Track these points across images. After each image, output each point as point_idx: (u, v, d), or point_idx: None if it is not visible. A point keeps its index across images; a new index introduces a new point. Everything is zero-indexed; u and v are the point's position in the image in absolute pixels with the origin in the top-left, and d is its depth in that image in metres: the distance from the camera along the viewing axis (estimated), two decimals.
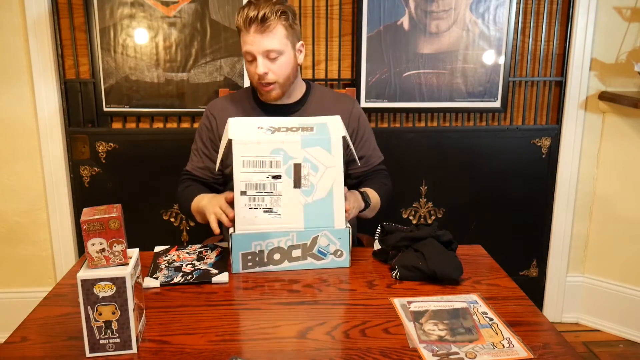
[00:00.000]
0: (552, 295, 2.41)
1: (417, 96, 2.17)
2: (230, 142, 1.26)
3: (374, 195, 1.55)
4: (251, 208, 1.27)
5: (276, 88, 1.51)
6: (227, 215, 1.30)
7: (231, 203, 1.31)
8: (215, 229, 1.31)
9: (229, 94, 1.73)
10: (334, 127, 1.31)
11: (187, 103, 2.13)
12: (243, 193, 1.26)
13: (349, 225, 1.30)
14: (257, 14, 1.41)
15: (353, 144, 1.62)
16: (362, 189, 1.54)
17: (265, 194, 1.27)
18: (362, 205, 1.47)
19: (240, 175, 1.26)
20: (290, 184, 1.27)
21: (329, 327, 1.06)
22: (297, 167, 1.26)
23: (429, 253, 1.25)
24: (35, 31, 2.03)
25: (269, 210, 1.27)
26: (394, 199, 1.74)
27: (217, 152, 1.61)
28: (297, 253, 1.29)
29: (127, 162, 2.16)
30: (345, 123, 1.61)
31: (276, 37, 1.45)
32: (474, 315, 1.09)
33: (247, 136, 1.26)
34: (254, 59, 1.46)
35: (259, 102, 1.61)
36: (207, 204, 1.38)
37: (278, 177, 1.26)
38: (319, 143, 1.27)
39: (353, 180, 1.65)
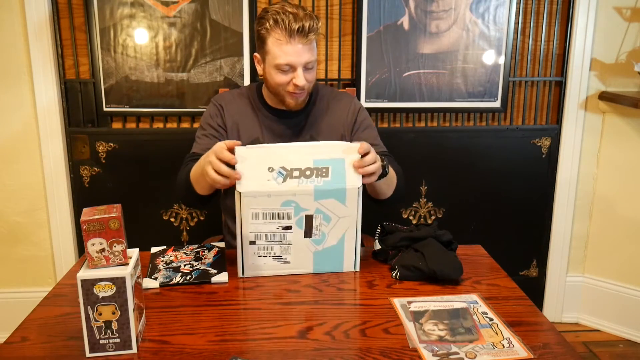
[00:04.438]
0: (552, 295, 2.41)
1: (417, 96, 2.17)
2: (239, 194, 1.19)
3: (391, 169, 1.44)
4: (260, 256, 1.25)
5: (303, 96, 1.51)
6: (227, 175, 1.18)
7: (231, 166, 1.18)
8: (221, 180, 1.18)
9: (235, 89, 1.71)
10: (351, 171, 1.21)
11: (187, 103, 2.13)
12: (252, 242, 1.24)
13: (357, 268, 1.29)
14: (303, 25, 1.38)
15: (353, 134, 1.60)
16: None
17: (275, 243, 1.24)
18: (380, 170, 1.29)
19: (250, 227, 1.22)
20: (300, 234, 1.24)
21: (329, 327, 1.06)
22: (309, 219, 1.23)
23: (429, 253, 1.25)
24: (36, 31, 2.03)
25: (278, 258, 1.26)
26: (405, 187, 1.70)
27: (226, 135, 1.56)
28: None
29: (127, 162, 2.16)
30: (344, 118, 1.61)
31: (314, 48, 1.45)
32: (474, 315, 1.09)
33: (256, 187, 1.18)
34: (292, 69, 1.44)
35: (264, 104, 1.59)
36: (203, 159, 1.25)
37: (288, 227, 1.23)
38: (334, 195, 1.21)
39: None
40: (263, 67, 1.51)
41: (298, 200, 1.20)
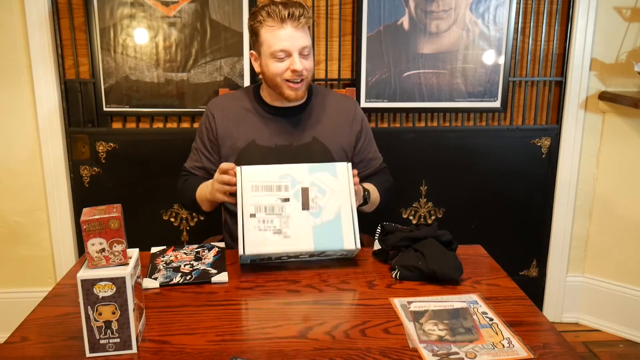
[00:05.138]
0: (552, 295, 2.41)
1: (417, 96, 2.17)
2: (240, 169, 1.31)
3: (374, 191, 1.59)
4: (261, 230, 1.27)
5: (303, 86, 1.52)
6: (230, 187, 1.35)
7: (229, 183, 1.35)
8: (232, 200, 1.36)
9: (230, 93, 1.72)
10: (340, 164, 1.36)
11: (187, 103, 2.13)
12: (252, 215, 1.28)
13: (358, 246, 1.30)
14: (293, 11, 1.43)
15: (357, 146, 1.66)
16: (364, 185, 1.56)
17: (275, 215, 1.28)
18: (361, 200, 1.49)
19: (250, 199, 1.29)
20: (298, 207, 1.30)
21: (329, 327, 1.06)
22: (305, 191, 1.31)
23: (429, 253, 1.25)
24: (36, 31, 2.03)
25: (278, 232, 1.28)
26: (394, 199, 1.75)
27: (215, 153, 1.62)
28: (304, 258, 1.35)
29: (127, 162, 2.16)
30: (349, 124, 1.64)
31: (307, 34, 1.48)
32: (474, 315, 1.09)
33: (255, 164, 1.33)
34: (288, 55, 1.46)
35: (261, 103, 1.60)
36: (211, 189, 1.43)
37: (286, 200, 1.30)
38: (325, 169, 1.34)
39: None
40: (259, 61, 1.53)
41: (293, 173, 1.32)
